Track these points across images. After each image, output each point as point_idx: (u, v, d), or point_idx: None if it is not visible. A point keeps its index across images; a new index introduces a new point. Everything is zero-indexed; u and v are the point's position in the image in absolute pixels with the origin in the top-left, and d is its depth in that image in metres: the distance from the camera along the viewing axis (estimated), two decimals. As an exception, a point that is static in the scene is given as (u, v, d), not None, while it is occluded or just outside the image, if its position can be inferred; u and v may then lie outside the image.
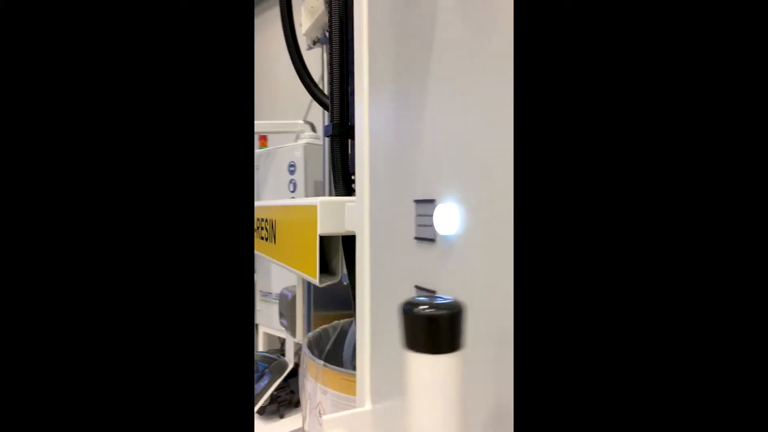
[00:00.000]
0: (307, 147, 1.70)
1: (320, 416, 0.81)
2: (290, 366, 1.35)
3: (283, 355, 1.57)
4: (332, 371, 0.79)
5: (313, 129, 1.88)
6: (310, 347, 0.93)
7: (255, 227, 0.83)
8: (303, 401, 0.91)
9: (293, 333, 1.19)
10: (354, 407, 0.77)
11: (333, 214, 0.53)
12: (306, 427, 0.86)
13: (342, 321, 1.04)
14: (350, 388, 0.77)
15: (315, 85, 0.82)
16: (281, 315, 1.26)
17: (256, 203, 0.83)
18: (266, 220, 0.76)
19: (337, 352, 1.01)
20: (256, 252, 0.86)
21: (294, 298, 1.20)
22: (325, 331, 1.01)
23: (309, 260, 0.56)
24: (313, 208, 0.54)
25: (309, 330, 1.08)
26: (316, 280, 0.53)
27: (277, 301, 1.37)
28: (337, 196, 0.60)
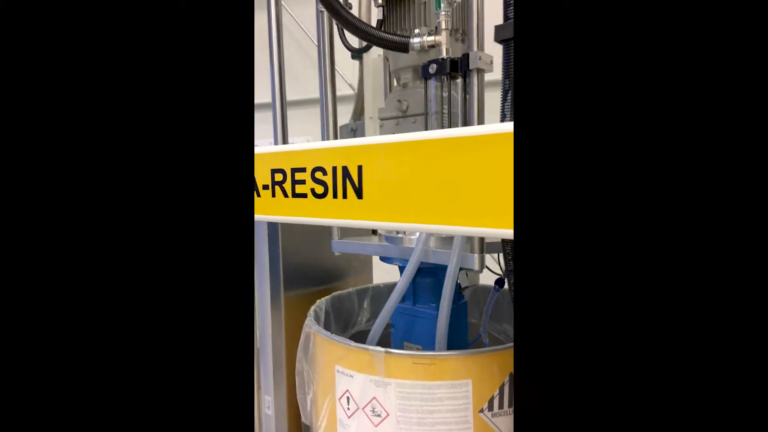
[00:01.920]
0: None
1: (378, 415, 0.65)
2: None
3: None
4: (400, 356, 0.64)
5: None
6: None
7: (284, 180, 0.60)
8: (324, 405, 0.72)
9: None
10: (428, 394, 0.64)
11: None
12: (349, 432, 0.68)
13: (323, 300, 0.86)
14: (424, 374, 0.64)
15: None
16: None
17: (306, 145, 0.60)
18: (322, 170, 0.55)
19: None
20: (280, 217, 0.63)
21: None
22: (315, 313, 0.82)
23: (489, 208, 0.41)
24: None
25: (280, 314, 0.86)
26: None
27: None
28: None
